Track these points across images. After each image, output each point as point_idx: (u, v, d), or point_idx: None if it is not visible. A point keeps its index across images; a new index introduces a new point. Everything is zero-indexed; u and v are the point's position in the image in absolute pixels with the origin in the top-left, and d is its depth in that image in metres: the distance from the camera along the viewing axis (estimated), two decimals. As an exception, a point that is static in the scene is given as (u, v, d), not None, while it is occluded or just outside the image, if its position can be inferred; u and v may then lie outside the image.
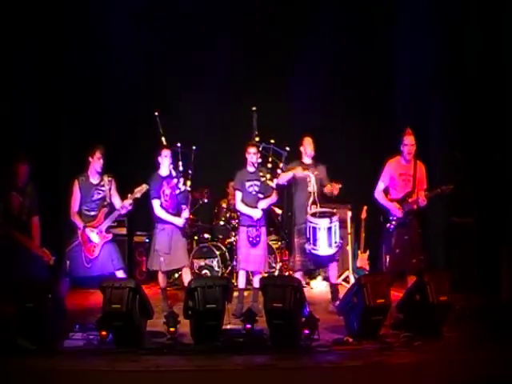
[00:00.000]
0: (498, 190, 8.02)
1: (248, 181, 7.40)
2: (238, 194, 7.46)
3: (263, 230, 7.41)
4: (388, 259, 7.02)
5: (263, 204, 7.34)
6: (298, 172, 7.31)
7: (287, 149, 7.50)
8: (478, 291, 7.40)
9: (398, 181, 7.14)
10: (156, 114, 7.52)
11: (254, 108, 7.55)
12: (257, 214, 7.28)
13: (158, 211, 7.30)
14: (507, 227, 7.81)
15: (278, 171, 7.41)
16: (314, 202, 7.29)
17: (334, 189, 7.25)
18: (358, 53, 9.45)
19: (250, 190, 7.40)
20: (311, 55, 9.57)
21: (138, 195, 7.06)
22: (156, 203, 7.30)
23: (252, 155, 7.37)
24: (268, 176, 7.33)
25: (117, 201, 7.16)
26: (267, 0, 9.57)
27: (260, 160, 7.45)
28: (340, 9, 9.41)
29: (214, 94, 9.51)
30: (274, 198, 7.50)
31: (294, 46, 9.58)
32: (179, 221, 7.36)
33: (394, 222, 7.07)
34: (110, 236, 7.09)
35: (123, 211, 7.12)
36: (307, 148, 7.46)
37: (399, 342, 5.96)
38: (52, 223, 8.33)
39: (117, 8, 9.13)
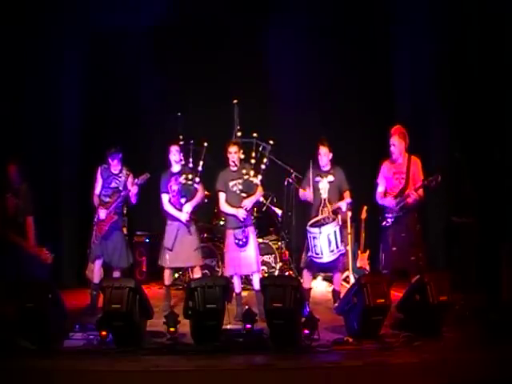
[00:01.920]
0: (498, 190, 8.02)
1: (231, 180, 7.20)
2: (222, 196, 7.25)
3: (251, 229, 7.26)
4: (384, 257, 7.01)
5: (247, 202, 7.16)
6: (309, 196, 7.25)
7: (271, 142, 7.44)
8: (478, 291, 7.39)
9: (392, 179, 7.13)
10: (179, 114, 7.88)
11: (234, 101, 7.43)
12: (241, 213, 7.11)
13: (166, 205, 7.44)
14: (507, 227, 7.81)
15: (262, 166, 7.24)
16: (324, 207, 7.23)
17: (339, 206, 7.27)
18: (358, 53, 9.44)
19: (234, 189, 7.20)
20: (311, 54, 9.58)
21: (140, 182, 7.33)
22: (165, 198, 7.44)
23: (233, 154, 7.17)
24: (252, 172, 7.16)
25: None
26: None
27: (243, 156, 7.28)
28: (340, 8, 9.40)
29: (214, 92, 9.51)
30: (258, 194, 7.33)
31: (294, 44, 9.58)
32: (182, 215, 7.36)
33: (389, 220, 7.05)
34: (115, 217, 7.39)
35: (130, 192, 7.37)
36: (320, 158, 7.33)
37: (399, 342, 5.96)
38: (51, 223, 8.40)
39: (115, 10, 9.14)
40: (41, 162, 8.45)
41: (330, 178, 7.33)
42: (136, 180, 7.38)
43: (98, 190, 7.49)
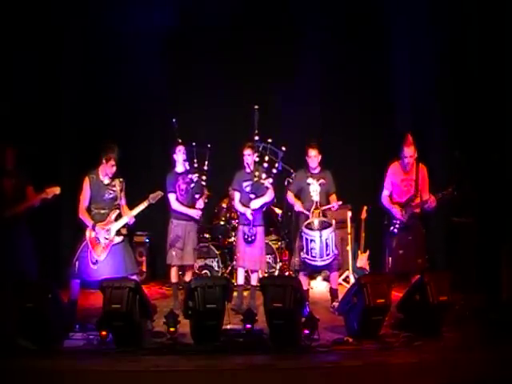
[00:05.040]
0: (498, 190, 8.02)
1: (245, 181, 7.52)
2: (237, 195, 7.60)
3: (259, 229, 7.47)
4: (391, 260, 7.01)
5: (255, 203, 7.40)
6: (297, 207, 7.42)
7: (283, 149, 7.62)
8: (478, 291, 7.39)
9: (400, 186, 7.16)
10: (174, 120, 7.73)
11: (256, 106, 7.58)
12: (249, 212, 7.37)
13: (174, 204, 7.52)
14: (507, 227, 7.81)
15: (274, 171, 7.51)
16: (316, 209, 7.30)
17: (333, 206, 7.35)
18: (359, 54, 9.44)
19: (247, 190, 7.50)
20: (312, 59, 9.59)
21: (152, 201, 6.94)
22: (172, 197, 7.52)
23: (247, 156, 7.48)
24: (264, 176, 7.39)
25: (123, 203, 6.96)
26: (269, 1, 9.57)
27: (257, 159, 7.54)
28: (341, 12, 9.41)
29: (215, 93, 9.52)
30: (268, 197, 7.52)
31: (295, 47, 9.59)
32: (194, 212, 7.55)
33: (397, 225, 7.08)
34: (119, 238, 6.84)
35: (131, 222, 6.96)
36: (309, 160, 7.44)
37: (399, 342, 5.97)
38: (55, 224, 8.39)
39: (119, 10, 9.17)
40: (40, 161, 8.44)
41: (322, 180, 7.42)
42: (149, 198, 6.90)
43: (85, 203, 6.86)
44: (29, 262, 6.93)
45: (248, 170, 7.54)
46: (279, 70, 9.44)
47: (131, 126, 9.39)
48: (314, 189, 7.33)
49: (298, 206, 7.45)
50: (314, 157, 7.42)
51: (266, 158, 7.56)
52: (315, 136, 7.78)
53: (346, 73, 9.51)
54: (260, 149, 7.63)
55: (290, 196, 7.60)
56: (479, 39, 8.38)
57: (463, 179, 7.39)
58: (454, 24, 8.61)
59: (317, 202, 7.31)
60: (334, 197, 7.45)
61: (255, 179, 7.40)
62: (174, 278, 7.65)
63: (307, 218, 7.31)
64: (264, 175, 7.41)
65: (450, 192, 6.88)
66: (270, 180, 7.43)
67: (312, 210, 7.30)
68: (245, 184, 7.52)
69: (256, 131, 7.55)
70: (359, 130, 9.52)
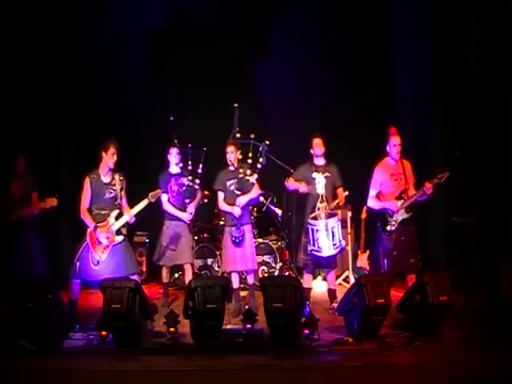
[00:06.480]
0: (498, 190, 8.02)
1: (229, 180, 7.40)
2: (220, 195, 7.45)
3: (247, 228, 7.39)
4: (386, 262, 6.99)
5: (242, 200, 7.31)
6: (302, 188, 7.31)
7: (267, 142, 7.69)
8: (478, 291, 7.39)
9: (391, 181, 7.14)
10: (171, 118, 7.89)
11: (235, 105, 7.62)
12: (236, 211, 7.26)
13: (166, 205, 7.52)
14: (507, 227, 7.81)
15: (258, 166, 7.48)
16: (322, 202, 7.29)
17: (338, 202, 7.31)
18: (358, 53, 9.43)
19: (231, 188, 7.39)
20: (311, 56, 9.59)
21: (152, 200, 6.95)
22: (164, 197, 7.50)
23: (229, 154, 7.38)
24: (248, 172, 7.33)
25: (124, 203, 6.97)
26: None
27: (240, 156, 7.51)
28: (340, 11, 9.41)
29: (213, 93, 9.53)
30: (254, 193, 7.46)
31: (294, 47, 9.59)
32: (185, 215, 7.53)
33: (393, 223, 7.05)
34: (120, 238, 6.84)
35: (131, 221, 6.98)
36: (315, 149, 7.39)
37: (399, 342, 5.98)
38: (53, 223, 8.40)
39: (116, 10, 9.18)
40: (38, 161, 8.43)
41: (327, 173, 7.39)
42: (149, 197, 6.90)
43: (86, 204, 6.85)
44: (37, 262, 7.10)
45: (232, 168, 7.41)
46: (278, 71, 9.45)
47: (131, 125, 9.39)
48: (319, 181, 7.32)
49: (303, 187, 7.29)
50: (318, 144, 7.36)
51: (250, 154, 7.55)
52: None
53: (345, 72, 9.51)
54: (250, 146, 7.63)
55: (291, 182, 7.44)
56: (479, 38, 8.38)
57: (463, 179, 7.39)
58: (454, 24, 8.60)
59: (322, 196, 7.29)
60: (341, 190, 7.38)
61: (240, 176, 7.32)
62: (164, 279, 7.72)
63: (312, 212, 7.27)
64: (249, 171, 7.34)
65: (447, 176, 6.84)
66: (255, 176, 7.34)
67: (317, 203, 7.28)
68: (228, 183, 7.38)
69: (237, 129, 7.58)
70: (359, 130, 9.51)
